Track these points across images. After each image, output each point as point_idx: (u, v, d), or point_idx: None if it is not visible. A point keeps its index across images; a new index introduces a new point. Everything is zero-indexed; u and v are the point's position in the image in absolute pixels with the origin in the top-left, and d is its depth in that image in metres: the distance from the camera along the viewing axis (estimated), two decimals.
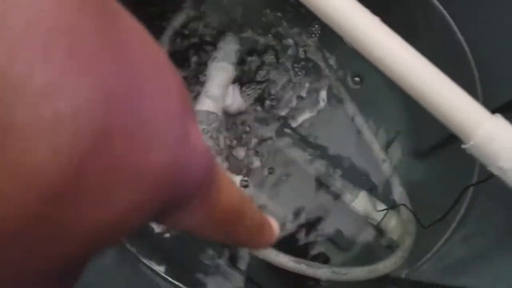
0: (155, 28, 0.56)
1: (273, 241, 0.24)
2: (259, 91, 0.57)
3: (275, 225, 0.24)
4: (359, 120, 0.59)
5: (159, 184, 0.12)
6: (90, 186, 0.10)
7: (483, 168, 0.37)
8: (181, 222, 0.16)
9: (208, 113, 0.47)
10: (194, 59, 0.57)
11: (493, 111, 0.38)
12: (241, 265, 0.54)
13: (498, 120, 0.34)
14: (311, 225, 0.58)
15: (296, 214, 0.58)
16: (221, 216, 0.18)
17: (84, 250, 0.11)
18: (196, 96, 0.50)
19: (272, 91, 0.58)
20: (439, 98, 0.33)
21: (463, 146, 0.36)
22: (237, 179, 0.57)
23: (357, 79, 0.59)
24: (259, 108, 0.57)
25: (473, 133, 0.34)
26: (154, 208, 0.12)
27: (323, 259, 0.58)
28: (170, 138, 0.12)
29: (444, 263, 0.46)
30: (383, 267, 0.49)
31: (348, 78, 0.59)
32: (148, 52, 0.12)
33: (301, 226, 0.58)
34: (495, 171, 0.36)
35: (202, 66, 0.56)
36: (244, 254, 0.54)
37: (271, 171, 0.57)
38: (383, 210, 0.56)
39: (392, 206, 0.56)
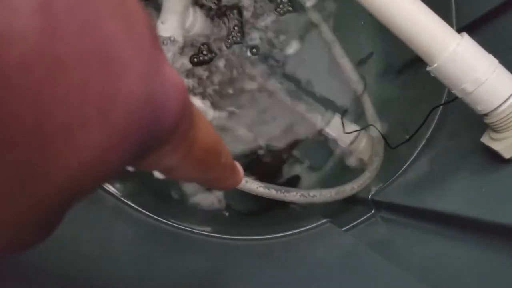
0: None
1: (240, 182, 0.24)
2: (224, 13, 0.53)
3: (239, 165, 0.24)
4: (332, 40, 0.56)
5: (133, 119, 0.11)
6: (50, 123, 0.09)
7: None
8: (159, 163, 0.15)
9: (165, 38, 0.44)
10: None
11: (464, 28, 0.36)
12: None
13: (463, 41, 0.32)
14: (283, 147, 0.58)
15: (267, 137, 0.57)
16: (200, 155, 0.17)
17: (61, 197, 0.10)
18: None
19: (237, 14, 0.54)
20: (402, 20, 0.31)
21: (427, 69, 0.35)
22: (211, 112, 0.55)
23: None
24: (224, 31, 0.54)
25: (437, 55, 0.32)
26: (132, 148, 0.11)
27: (295, 180, 0.60)
28: (140, 67, 0.11)
29: (408, 184, 0.47)
30: (350, 188, 0.50)
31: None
32: None
33: (272, 149, 0.58)
34: (459, 94, 0.35)
35: None
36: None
37: (239, 95, 0.56)
38: (354, 131, 0.56)
39: (362, 127, 0.55)
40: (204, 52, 0.54)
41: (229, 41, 0.54)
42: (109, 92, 0.10)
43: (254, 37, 0.55)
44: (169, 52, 0.44)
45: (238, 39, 0.55)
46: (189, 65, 0.53)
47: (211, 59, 0.54)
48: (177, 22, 0.44)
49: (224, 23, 0.53)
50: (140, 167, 0.15)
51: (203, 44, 0.53)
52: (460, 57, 0.31)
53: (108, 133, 0.10)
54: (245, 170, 0.54)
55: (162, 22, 0.43)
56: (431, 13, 0.32)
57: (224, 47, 0.54)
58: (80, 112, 0.10)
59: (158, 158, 0.14)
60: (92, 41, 0.10)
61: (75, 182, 0.10)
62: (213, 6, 0.53)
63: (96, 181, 0.11)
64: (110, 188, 0.47)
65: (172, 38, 0.45)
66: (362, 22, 0.56)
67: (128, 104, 0.11)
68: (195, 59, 0.54)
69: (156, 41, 0.12)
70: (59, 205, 0.11)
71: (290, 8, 0.56)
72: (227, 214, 0.54)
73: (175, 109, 0.13)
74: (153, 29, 0.12)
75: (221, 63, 0.54)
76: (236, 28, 0.54)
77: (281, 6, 0.56)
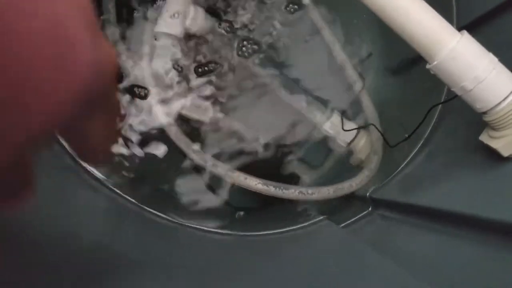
0: None
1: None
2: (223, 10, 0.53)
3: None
4: (332, 39, 0.56)
5: (84, 81, 0.15)
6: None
7: None
8: (90, 125, 0.19)
9: (167, 35, 0.44)
10: None
11: (464, 27, 0.36)
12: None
13: (463, 39, 0.32)
14: (282, 145, 0.58)
15: (267, 135, 0.57)
16: (114, 119, 0.22)
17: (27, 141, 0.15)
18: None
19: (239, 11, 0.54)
20: (402, 17, 0.31)
21: (427, 67, 0.35)
22: (210, 111, 0.55)
23: None
24: (224, 29, 0.54)
25: (437, 53, 0.32)
26: (86, 97, 0.15)
27: (294, 178, 0.60)
28: (88, 40, 0.15)
29: (407, 182, 0.47)
30: (348, 185, 0.50)
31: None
32: None
33: (272, 147, 0.58)
34: (459, 92, 0.35)
35: None
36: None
37: (239, 94, 0.56)
38: (352, 129, 0.56)
39: (362, 126, 0.56)
40: (211, 67, 0.54)
41: (240, 52, 0.54)
42: (67, 58, 0.14)
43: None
44: (169, 52, 0.44)
45: (249, 50, 0.55)
46: (193, 75, 0.53)
47: (215, 69, 0.54)
48: (177, 20, 0.44)
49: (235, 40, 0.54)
50: (73, 131, 0.19)
51: (209, 62, 0.53)
52: (460, 55, 0.32)
53: (69, 83, 0.15)
54: (244, 167, 0.54)
55: (161, 20, 0.43)
56: (431, 11, 0.32)
57: (233, 55, 0.54)
58: (52, 72, 0.14)
59: (89, 125, 0.19)
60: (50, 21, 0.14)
61: (45, 127, 0.15)
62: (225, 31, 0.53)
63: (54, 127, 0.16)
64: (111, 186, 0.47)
65: (172, 36, 0.45)
66: (364, 16, 0.56)
67: (82, 69, 0.15)
68: (200, 69, 0.54)
69: (95, 21, 0.16)
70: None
71: (295, 7, 0.56)
72: (241, 214, 0.54)
73: (113, 69, 0.17)
74: (93, 11, 0.16)
75: (227, 69, 0.54)
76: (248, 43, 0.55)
77: (290, 5, 0.56)
